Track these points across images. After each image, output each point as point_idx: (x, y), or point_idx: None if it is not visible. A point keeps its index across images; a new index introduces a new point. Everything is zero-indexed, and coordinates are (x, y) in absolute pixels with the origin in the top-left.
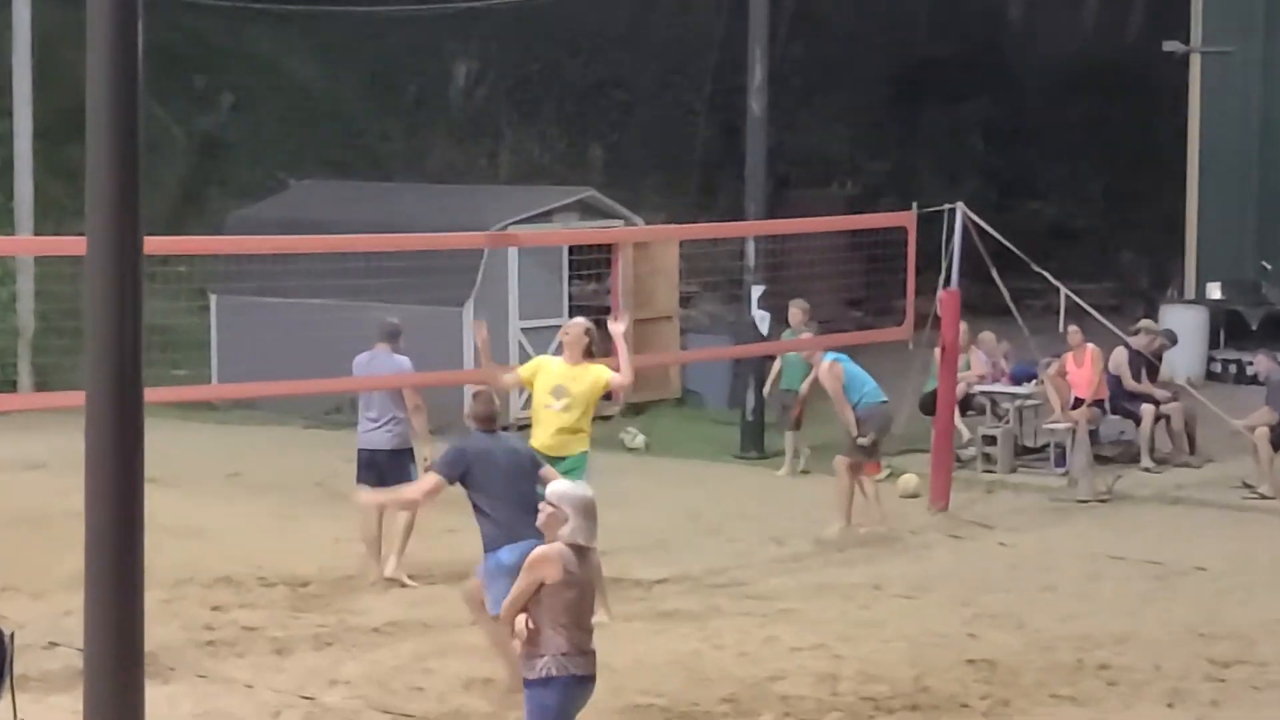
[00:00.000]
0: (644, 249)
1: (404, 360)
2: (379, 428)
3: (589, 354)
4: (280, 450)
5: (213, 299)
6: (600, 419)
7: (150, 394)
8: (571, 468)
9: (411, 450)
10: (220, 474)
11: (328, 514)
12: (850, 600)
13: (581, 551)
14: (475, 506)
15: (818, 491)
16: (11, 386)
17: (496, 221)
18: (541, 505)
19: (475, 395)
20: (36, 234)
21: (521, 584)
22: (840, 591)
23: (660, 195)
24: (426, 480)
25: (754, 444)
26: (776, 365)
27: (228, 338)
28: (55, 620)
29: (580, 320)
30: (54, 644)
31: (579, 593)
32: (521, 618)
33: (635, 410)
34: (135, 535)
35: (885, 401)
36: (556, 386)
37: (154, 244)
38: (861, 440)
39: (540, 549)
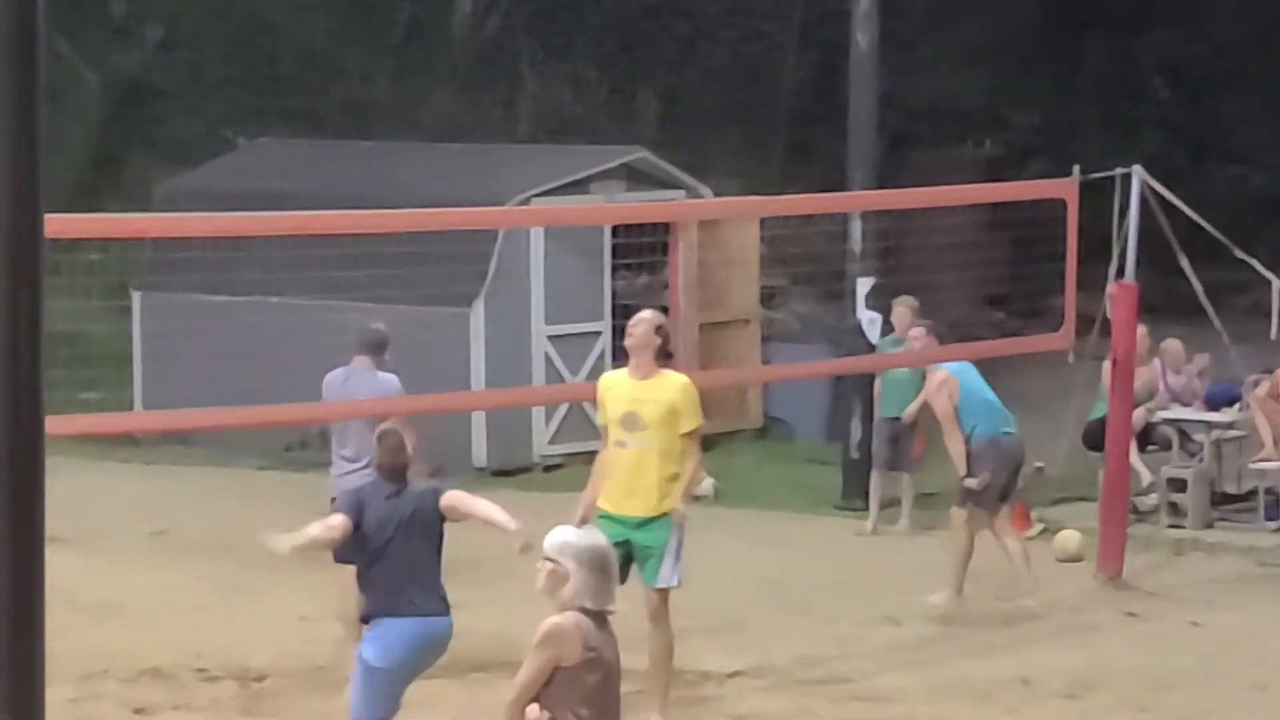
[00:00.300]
0: (713, 230)
1: (390, 379)
2: (359, 468)
3: (666, 356)
4: (225, 499)
5: (136, 297)
6: None
7: (52, 424)
8: (651, 542)
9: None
10: (145, 531)
11: (289, 584)
12: (991, 701)
13: (602, 620)
14: (357, 571)
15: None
16: None
17: (515, 193)
18: (539, 563)
19: (381, 437)
20: None
21: (532, 666)
22: (977, 690)
23: (734, 158)
24: (334, 517)
25: (860, 490)
26: (877, 386)
27: (156, 349)
28: None
29: (649, 314)
30: None
31: (604, 676)
32: (533, 709)
33: (703, 445)
34: (32, 613)
35: (1010, 433)
36: (627, 415)
37: (57, 225)
38: (970, 483)
39: (554, 621)
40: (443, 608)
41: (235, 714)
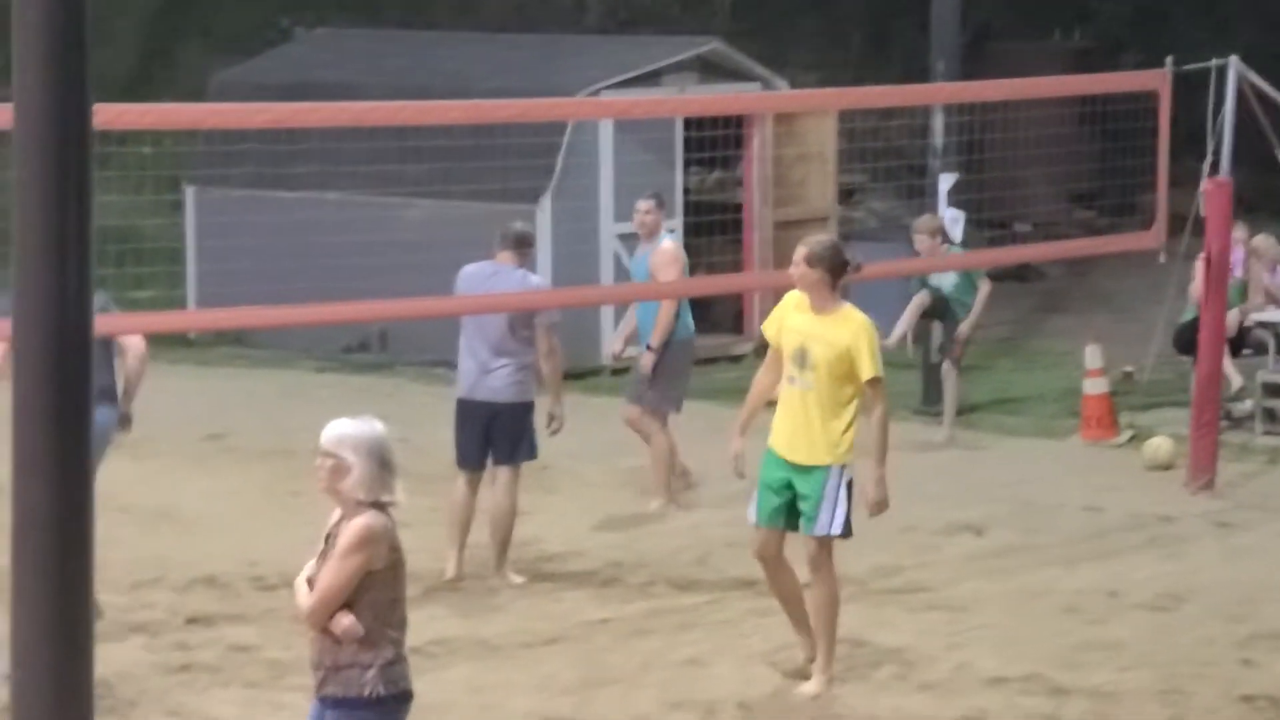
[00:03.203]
0: (789, 124)
1: (538, 279)
2: (495, 371)
3: (835, 283)
4: (281, 402)
5: (189, 192)
6: (729, 360)
7: (102, 323)
8: (808, 491)
9: (533, 405)
10: (198, 435)
11: None
12: (1076, 613)
13: (390, 514)
14: None
15: (1038, 462)
16: None
17: (583, 85)
18: (317, 460)
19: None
20: None
21: (343, 571)
22: (1062, 601)
23: (811, 49)
24: None
25: (942, 394)
26: (920, 298)
27: (209, 246)
28: None
29: (805, 245)
30: None
31: (402, 576)
32: (347, 617)
33: None
34: (81, 520)
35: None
36: (799, 350)
37: (108, 115)
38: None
39: (363, 524)
40: None
41: (290, 622)
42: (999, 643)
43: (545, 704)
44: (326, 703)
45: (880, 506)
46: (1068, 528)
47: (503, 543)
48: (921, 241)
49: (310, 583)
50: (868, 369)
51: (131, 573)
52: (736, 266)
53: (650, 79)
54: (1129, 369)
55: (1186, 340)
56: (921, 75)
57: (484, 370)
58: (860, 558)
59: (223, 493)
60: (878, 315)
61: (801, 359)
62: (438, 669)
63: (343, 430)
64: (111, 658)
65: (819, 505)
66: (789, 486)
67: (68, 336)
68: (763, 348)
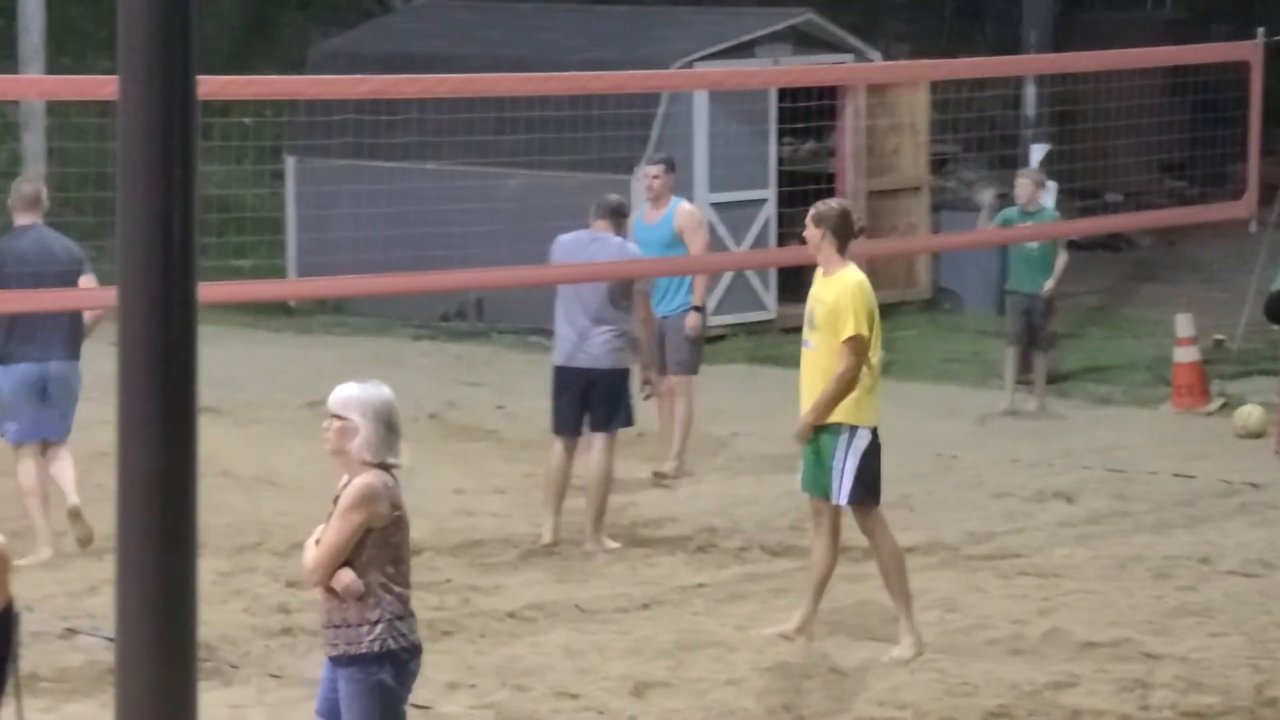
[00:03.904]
0: (882, 94)
1: (635, 247)
2: (593, 338)
3: (842, 246)
4: (379, 369)
5: (289, 163)
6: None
7: (205, 292)
8: (814, 452)
9: (630, 372)
10: (298, 401)
11: (444, 457)
12: (1167, 579)
13: (395, 475)
14: None
15: (1130, 430)
16: None
17: (678, 57)
18: (324, 422)
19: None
20: (49, 72)
21: (344, 529)
22: (1153, 567)
23: (904, 20)
24: None
25: (1031, 365)
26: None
27: (309, 215)
28: (75, 599)
29: (814, 208)
30: (73, 631)
31: (405, 533)
32: (346, 573)
33: None
34: (184, 486)
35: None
36: (808, 312)
37: (210, 87)
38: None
39: (365, 482)
40: None
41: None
42: (1090, 608)
43: (640, 667)
44: (339, 661)
45: (798, 437)
46: (1159, 495)
47: (598, 509)
48: (1024, 187)
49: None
50: (847, 328)
51: (233, 537)
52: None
53: (744, 50)
54: (1220, 337)
55: (1277, 309)
56: (1013, 46)
57: (582, 338)
58: (953, 524)
59: (322, 458)
60: (969, 282)
61: (810, 321)
62: (534, 633)
63: (350, 393)
64: (214, 621)
65: (829, 473)
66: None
67: (172, 304)
68: None
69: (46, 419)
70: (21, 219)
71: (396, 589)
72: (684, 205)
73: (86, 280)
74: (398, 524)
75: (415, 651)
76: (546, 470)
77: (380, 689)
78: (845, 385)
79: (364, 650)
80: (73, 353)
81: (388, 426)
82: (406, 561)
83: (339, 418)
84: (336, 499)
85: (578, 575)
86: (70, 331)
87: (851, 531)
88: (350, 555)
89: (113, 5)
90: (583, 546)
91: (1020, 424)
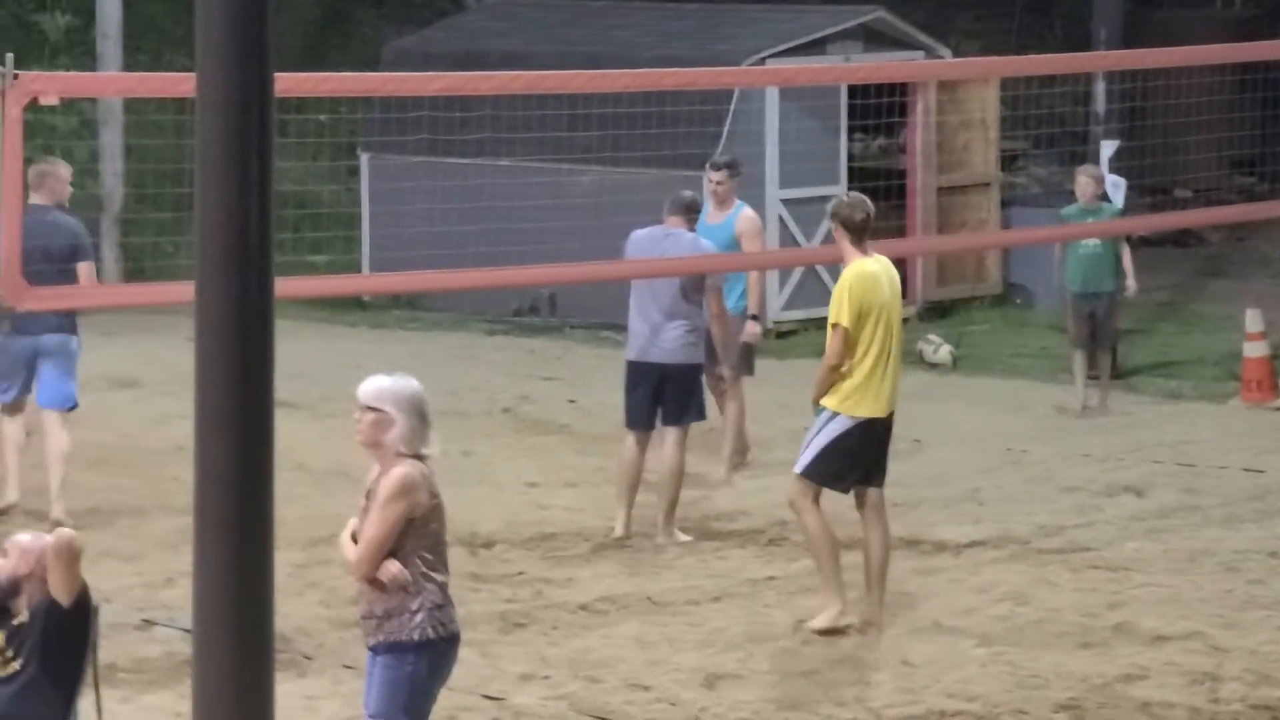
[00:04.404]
0: (952, 91)
1: (708, 243)
2: (666, 333)
3: (855, 240)
4: (452, 364)
5: (363, 159)
6: None
7: (281, 287)
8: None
9: (703, 366)
10: None
11: (517, 450)
12: (1236, 573)
13: (427, 465)
14: None
15: (1199, 425)
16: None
17: (749, 54)
18: (356, 414)
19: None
20: (126, 69)
21: (387, 519)
22: (1223, 561)
23: (974, 18)
24: None
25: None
26: (1057, 253)
27: (383, 211)
28: (152, 591)
29: (845, 197)
30: (149, 622)
31: (442, 521)
32: (392, 564)
33: (939, 312)
34: (261, 479)
35: None
36: None
37: (287, 83)
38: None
39: (403, 472)
40: None
41: (463, 579)
42: (1160, 602)
43: (711, 659)
44: (379, 649)
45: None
46: (1228, 489)
47: (670, 502)
48: (1085, 185)
49: (355, 538)
50: (832, 316)
51: (308, 530)
52: (900, 232)
53: (815, 47)
54: None
55: None
56: (1083, 43)
57: (655, 332)
58: (1023, 518)
59: None
60: (1039, 278)
61: None
62: (606, 625)
63: (384, 385)
64: (289, 613)
65: (804, 446)
66: None
67: (249, 299)
68: (925, 311)
69: (42, 389)
70: (33, 198)
71: (437, 577)
72: (746, 211)
73: (84, 268)
74: (436, 512)
75: (454, 641)
76: (619, 464)
77: (413, 678)
78: (826, 370)
79: (405, 639)
80: (66, 326)
81: (421, 418)
82: (445, 548)
83: (374, 410)
84: (368, 492)
85: (649, 568)
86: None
87: (921, 525)
88: (393, 546)
89: (190, 2)
90: (654, 540)
91: (1090, 419)
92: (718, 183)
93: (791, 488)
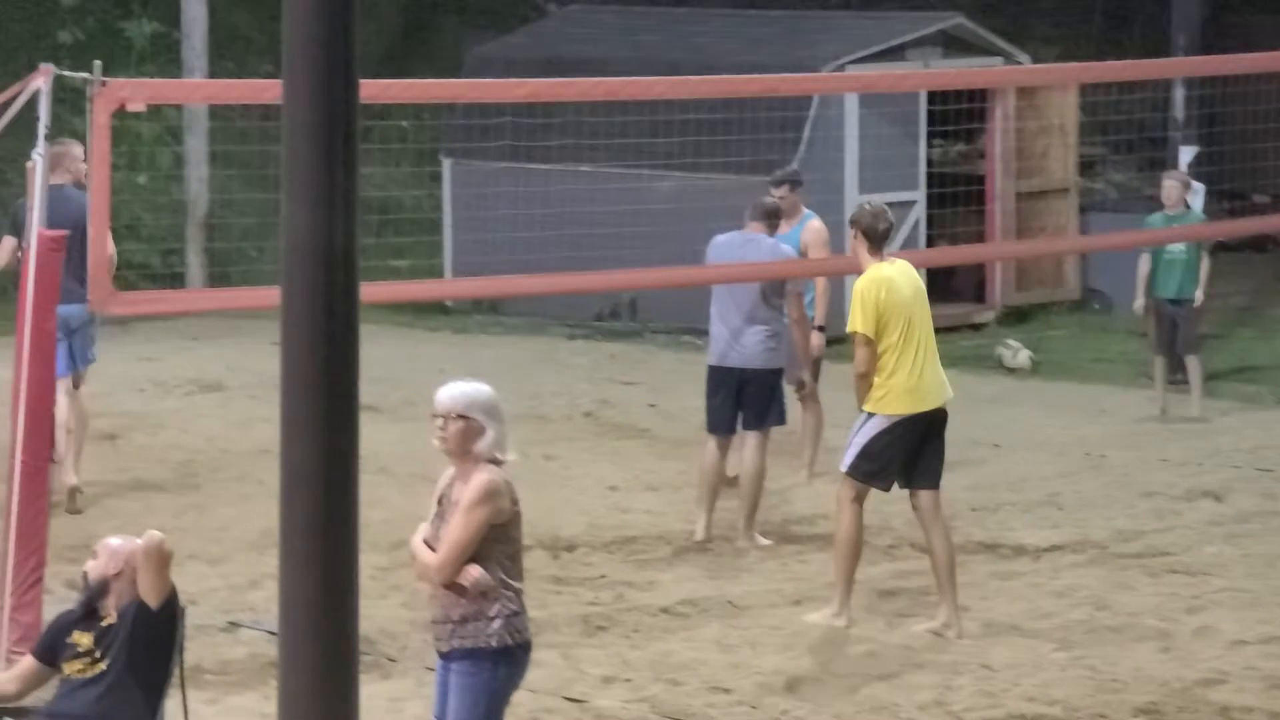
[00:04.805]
0: (1031, 97)
1: (788, 248)
2: (747, 338)
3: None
4: (534, 368)
5: (446, 165)
6: (970, 328)
7: (364, 291)
8: None
9: (783, 371)
10: None
11: (599, 454)
12: None
13: (506, 470)
14: None
15: (1278, 430)
16: (177, 281)
17: (829, 60)
18: (438, 421)
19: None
20: (210, 76)
21: (471, 525)
22: None
23: (1053, 24)
24: None
25: (1183, 363)
26: (1144, 265)
27: (466, 216)
28: (238, 594)
29: (866, 205)
30: (235, 625)
31: (520, 531)
32: (476, 569)
33: (1017, 317)
34: (346, 482)
35: None
36: None
37: (371, 90)
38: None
39: (487, 478)
40: None
41: (545, 582)
42: (1239, 606)
43: (792, 662)
44: (454, 655)
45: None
46: None
47: (751, 505)
48: (1170, 190)
49: (429, 545)
50: (849, 323)
51: (391, 532)
52: (978, 237)
53: (894, 54)
54: None
55: None
56: (1162, 49)
57: (735, 337)
58: (1102, 522)
59: None
60: (1118, 283)
61: None
62: (688, 628)
63: (471, 393)
64: (372, 615)
65: (847, 448)
66: None
67: (334, 303)
68: (1004, 316)
69: (73, 354)
70: (52, 179)
71: (514, 584)
72: (813, 222)
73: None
74: (516, 519)
75: (528, 648)
76: (700, 468)
77: (491, 685)
78: (857, 379)
79: (482, 645)
80: (83, 295)
81: (503, 424)
82: (521, 556)
83: (462, 418)
84: (440, 498)
85: (730, 571)
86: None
87: (1000, 529)
88: (474, 552)
89: (274, 10)
90: (735, 543)
91: (1169, 424)
92: (780, 197)
93: (838, 486)
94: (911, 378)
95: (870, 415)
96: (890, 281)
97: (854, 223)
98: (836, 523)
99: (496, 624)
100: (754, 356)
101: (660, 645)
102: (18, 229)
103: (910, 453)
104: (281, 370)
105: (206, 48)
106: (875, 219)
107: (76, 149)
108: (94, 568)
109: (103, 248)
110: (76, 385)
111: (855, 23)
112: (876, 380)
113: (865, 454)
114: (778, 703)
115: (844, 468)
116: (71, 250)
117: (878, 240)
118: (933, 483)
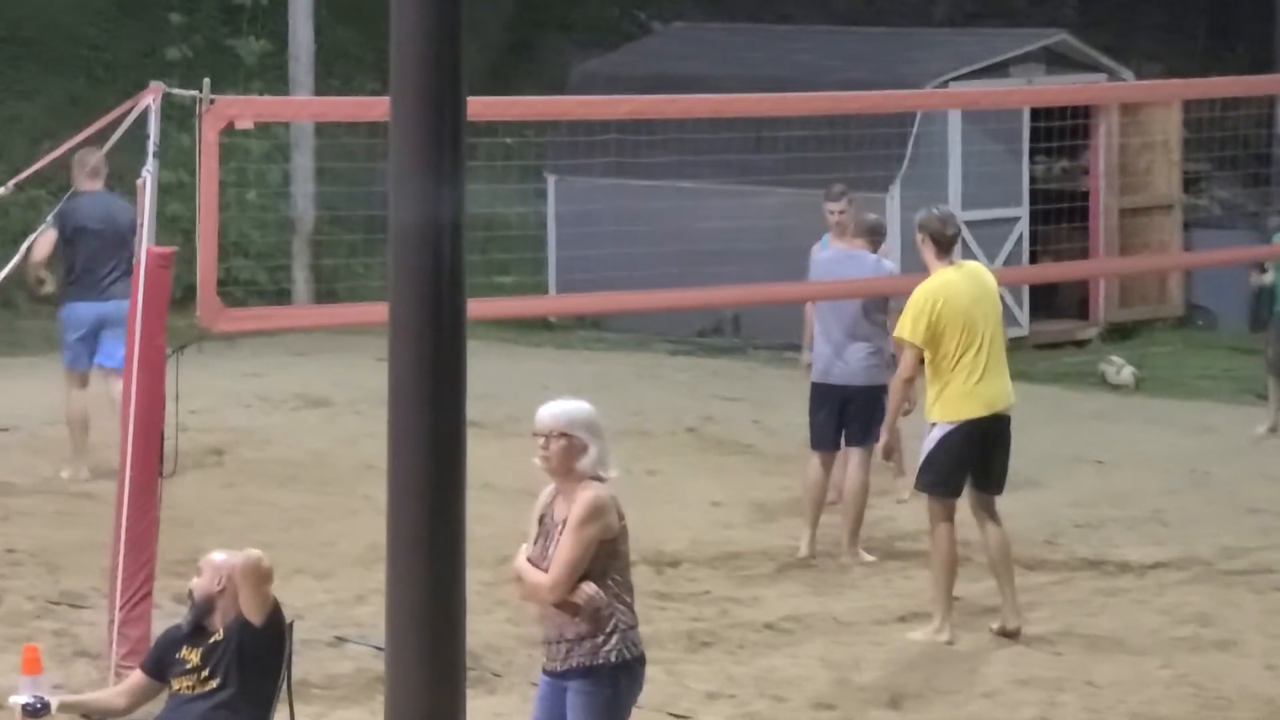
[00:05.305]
0: (1134, 113)
1: (890, 264)
2: (849, 354)
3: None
4: (637, 384)
5: (550, 181)
6: (1074, 344)
7: (469, 308)
8: None
9: (886, 387)
10: None
11: (702, 470)
12: None
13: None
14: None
15: None
16: (284, 297)
17: (932, 77)
18: (540, 440)
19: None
20: (317, 93)
21: (581, 543)
22: None
23: (1157, 40)
24: None
25: None
26: (1256, 278)
27: (570, 233)
28: (344, 608)
29: (934, 209)
30: (342, 639)
31: (628, 545)
32: (590, 586)
33: (1121, 334)
34: (453, 498)
35: None
36: None
37: (477, 107)
38: None
39: (595, 495)
40: None
41: (650, 598)
42: None
43: (896, 679)
44: (571, 674)
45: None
46: None
47: (855, 521)
48: None
49: (533, 564)
50: (898, 327)
51: (496, 548)
52: (1082, 253)
53: (998, 70)
54: None
55: None
56: (1267, 65)
57: (838, 353)
58: (1207, 539)
59: None
60: (1222, 299)
61: None
62: (792, 644)
63: (571, 411)
64: (478, 630)
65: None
66: None
67: (442, 320)
68: (1107, 333)
69: (105, 352)
70: (87, 185)
71: (626, 598)
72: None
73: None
74: (624, 534)
75: (644, 661)
76: (804, 484)
77: (612, 702)
78: (899, 384)
79: (600, 662)
80: (126, 295)
81: (605, 441)
82: (629, 571)
83: (565, 436)
84: (541, 517)
85: (834, 587)
86: (125, 279)
87: (1105, 546)
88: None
89: (380, 28)
90: (839, 559)
91: (1275, 440)
92: (840, 212)
93: (926, 505)
94: (968, 383)
95: (934, 424)
96: (948, 289)
97: (921, 227)
98: (930, 541)
99: (614, 639)
100: (857, 373)
101: (764, 661)
102: (63, 226)
103: (976, 459)
104: (389, 386)
105: (313, 65)
106: (943, 224)
107: (102, 156)
108: (198, 585)
109: (212, 264)
110: (84, 384)
111: (958, 39)
112: (933, 388)
113: (926, 463)
114: (882, 718)
115: (916, 485)
116: (113, 252)
117: (945, 245)
118: (994, 489)
